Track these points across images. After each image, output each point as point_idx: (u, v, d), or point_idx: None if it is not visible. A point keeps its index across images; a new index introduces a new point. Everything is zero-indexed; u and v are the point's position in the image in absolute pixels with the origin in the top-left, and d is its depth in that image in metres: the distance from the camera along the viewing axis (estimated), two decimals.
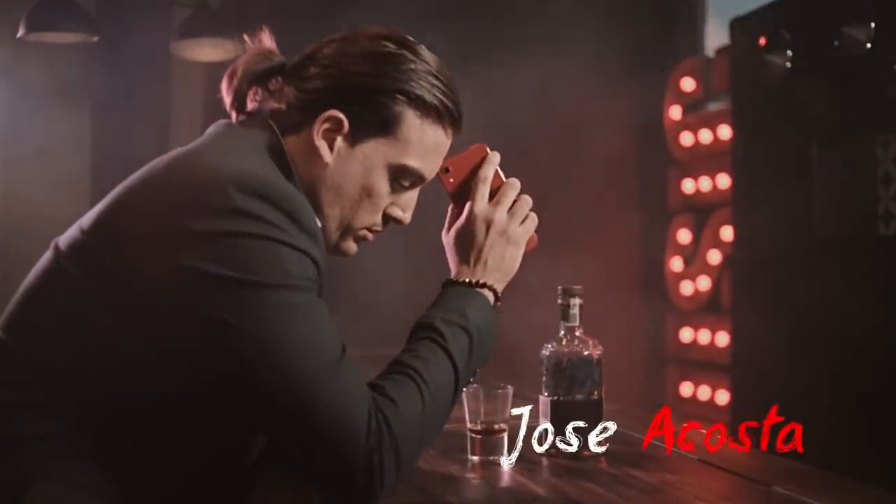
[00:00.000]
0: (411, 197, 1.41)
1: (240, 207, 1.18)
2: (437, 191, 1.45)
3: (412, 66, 1.34)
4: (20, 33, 3.69)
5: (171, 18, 4.22)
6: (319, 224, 1.30)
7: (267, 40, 1.39)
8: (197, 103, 4.32)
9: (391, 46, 1.35)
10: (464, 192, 1.43)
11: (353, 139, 1.34)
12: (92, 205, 1.30)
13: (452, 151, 1.43)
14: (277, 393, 1.17)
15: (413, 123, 1.35)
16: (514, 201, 1.42)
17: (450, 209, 1.46)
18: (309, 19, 3.88)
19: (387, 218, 1.39)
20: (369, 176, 1.35)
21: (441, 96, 1.35)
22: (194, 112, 4.28)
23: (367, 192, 1.35)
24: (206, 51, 3.92)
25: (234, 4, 4.15)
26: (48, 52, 4.04)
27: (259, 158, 1.28)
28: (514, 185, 1.43)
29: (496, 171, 1.43)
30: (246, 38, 1.39)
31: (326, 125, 1.33)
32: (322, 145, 1.33)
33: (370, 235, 1.40)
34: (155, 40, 4.11)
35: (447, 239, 1.43)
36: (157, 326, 1.19)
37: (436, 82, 1.35)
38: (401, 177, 1.37)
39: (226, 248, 1.17)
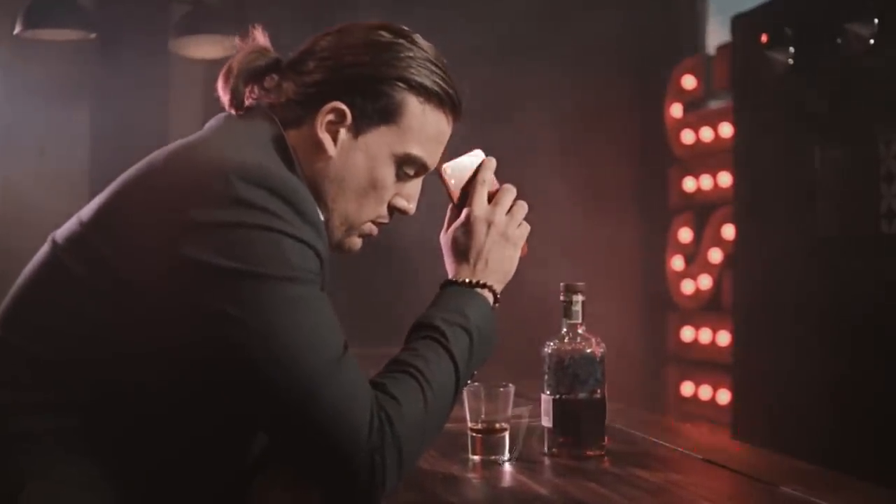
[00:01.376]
0: (415, 187, 1.40)
1: (242, 198, 1.17)
2: (437, 191, 1.45)
3: (410, 54, 1.34)
4: (17, 30, 3.68)
5: (169, 15, 4.20)
6: (322, 218, 1.29)
7: (260, 38, 1.39)
8: (196, 100, 4.30)
9: (388, 36, 1.35)
10: (462, 195, 1.43)
11: (357, 130, 1.33)
12: (90, 201, 1.29)
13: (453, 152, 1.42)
14: (278, 389, 1.15)
15: (416, 111, 1.34)
16: (511, 205, 1.42)
17: (448, 210, 1.45)
18: (307, 15, 3.87)
19: (391, 209, 1.39)
20: (374, 166, 1.34)
21: (441, 83, 1.35)
22: (193, 109, 4.26)
23: (373, 184, 1.34)
24: (205, 48, 3.91)
25: (233, 1, 4.13)
26: (46, 50, 4.03)
27: (262, 150, 1.27)
28: (511, 189, 1.44)
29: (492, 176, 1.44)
30: (238, 39, 1.38)
31: (330, 117, 1.32)
32: (326, 138, 1.32)
33: (375, 230, 1.39)
34: (153, 37, 4.09)
35: (445, 239, 1.43)
36: (157, 319, 1.17)
37: (435, 69, 1.35)
38: (405, 165, 1.36)
39: (227, 238, 1.16)
